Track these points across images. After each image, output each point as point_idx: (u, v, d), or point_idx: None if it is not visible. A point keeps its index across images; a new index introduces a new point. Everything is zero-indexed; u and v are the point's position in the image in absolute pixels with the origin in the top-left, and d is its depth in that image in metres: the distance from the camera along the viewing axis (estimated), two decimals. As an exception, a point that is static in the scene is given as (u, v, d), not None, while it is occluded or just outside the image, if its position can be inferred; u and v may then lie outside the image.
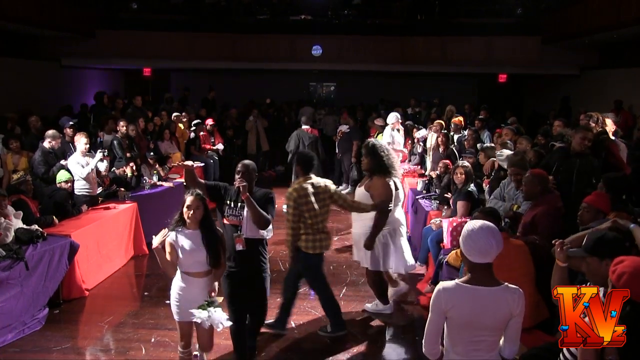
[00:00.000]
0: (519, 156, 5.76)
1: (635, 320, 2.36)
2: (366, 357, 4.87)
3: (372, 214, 5.20)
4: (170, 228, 3.86)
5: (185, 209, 3.83)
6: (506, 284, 2.68)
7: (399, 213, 5.55)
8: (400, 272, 5.79)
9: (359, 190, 5.47)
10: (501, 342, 2.75)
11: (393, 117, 9.63)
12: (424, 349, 2.79)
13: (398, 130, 9.68)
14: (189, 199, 3.84)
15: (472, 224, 2.71)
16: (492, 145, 7.28)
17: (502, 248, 2.66)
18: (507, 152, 6.34)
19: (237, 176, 4.12)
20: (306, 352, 4.88)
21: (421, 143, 9.93)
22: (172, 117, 10.82)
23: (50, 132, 7.38)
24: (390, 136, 9.53)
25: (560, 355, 2.79)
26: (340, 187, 11.60)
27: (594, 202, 4.08)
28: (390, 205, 5.22)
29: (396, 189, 5.37)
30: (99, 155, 7.07)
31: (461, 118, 9.72)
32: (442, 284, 2.72)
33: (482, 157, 7.10)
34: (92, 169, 7.02)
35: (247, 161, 4.35)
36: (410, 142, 10.44)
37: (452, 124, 9.45)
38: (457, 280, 2.71)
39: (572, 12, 12.13)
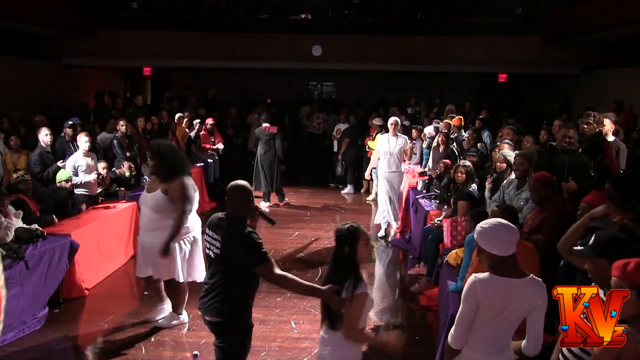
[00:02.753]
0: (530, 153, 5.77)
1: None
2: (366, 357, 4.86)
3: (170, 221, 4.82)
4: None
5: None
6: (532, 275, 2.78)
7: (195, 218, 5.14)
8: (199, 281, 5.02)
9: (150, 195, 4.93)
10: (524, 342, 2.82)
11: (390, 120, 8.44)
12: (453, 340, 2.86)
13: (396, 135, 8.23)
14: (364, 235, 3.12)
15: (491, 221, 2.85)
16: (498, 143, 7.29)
17: (516, 241, 2.80)
18: (508, 152, 6.33)
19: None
20: (306, 352, 4.88)
21: (427, 139, 9.83)
22: (175, 118, 10.79)
23: (43, 128, 7.43)
24: (386, 141, 8.24)
25: (560, 355, 2.79)
26: (344, 189, 11.58)
27: (592, 202, 4.08)
28: (190, 207, 4.90)
29: (194, 190, 5.02)
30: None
31: (460, 117, 9.71)
32: (475, 276, 2.80)
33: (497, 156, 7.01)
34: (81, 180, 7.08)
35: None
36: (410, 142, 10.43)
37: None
38: (488, 273, 2.78)
39: (572, 11, 12.13)
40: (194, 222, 5.09)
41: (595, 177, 5.14)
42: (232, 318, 3.41)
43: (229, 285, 3.38)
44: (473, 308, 2.76)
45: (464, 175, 6.27)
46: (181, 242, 4.98)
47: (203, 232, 3.73)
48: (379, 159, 8.40)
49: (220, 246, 3.37)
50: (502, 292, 2.71)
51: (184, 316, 5.35)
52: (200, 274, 5.12)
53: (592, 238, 2.91)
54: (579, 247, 3.07)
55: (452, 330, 2.88)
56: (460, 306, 2.82)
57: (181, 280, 5.06)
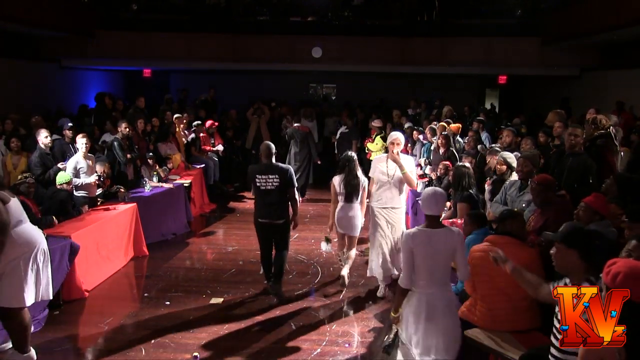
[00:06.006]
0: (533, 155, 5.77)
1: (632, 320, 2.36)
2: (366, 357, 4.87)
3: None
4: None
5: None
6: (447, 227, 3.79)
7: (32, 233, 4.39)
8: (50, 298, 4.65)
9: None
10: (458, 272, 3.79)
11: (391, 136, 6.13)
12: (401, 280, 3.75)
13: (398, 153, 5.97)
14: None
15: (428, 189, 3.88)
16: (493, 146, 7.29)
17: (442, 207, 3.87)
18: (508, 154, 6.32)
19: None
20: (306, 353, 4.88)
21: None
22: (174, 119, 10.81)
23: (42, 129, 7.45)
24: (383, 166, 6.00)
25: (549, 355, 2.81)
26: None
27: (591, 203, 4.10)
28: (3, 237, 4.03)
29: (4, 202, 4.09)
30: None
31: (459, 125, 9.68)
32: (407, 231, 3.83)
33: (490, 160, 7.03)
34: (80, 181, 7.09)
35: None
36: (410, 144, 10.42)
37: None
38: (416, 227, 3.77)
39: (572, 12, 12.14)
40: (30, 235, 4.36)
41: (595, 184, 5.12)
42: (288, 216, 5.94)
43: (284, 199, 5.84)
44: (409, 253, 3.66)
45: (453, 177, 6.35)
46: (22, 262, 4.22)
47: (251, 180, 5.82)
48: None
49: (279, 179, 5.71)
50: (427, 240, 3.63)
51: (32, 354, 4.45)
52: (49, 290, 4.53)
53: (562, 227, 3.02)
54: (550, 233, 3.23)
55: (400, 275, 3.80)
56: (402, 255, 3.77)
57: (24, 305, 4.26)
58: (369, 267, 6.25)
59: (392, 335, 4.27)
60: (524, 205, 5.25)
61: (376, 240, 6.03)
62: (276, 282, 6.02)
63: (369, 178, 6.16)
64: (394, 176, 5.90)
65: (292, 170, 5.88)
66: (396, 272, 5.95)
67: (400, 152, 6.00)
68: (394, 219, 5.98)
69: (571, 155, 5.35)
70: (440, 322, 3.61)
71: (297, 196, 5.97)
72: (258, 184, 5.76)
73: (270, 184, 5.72)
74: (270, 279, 6.10)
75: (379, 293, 6.14)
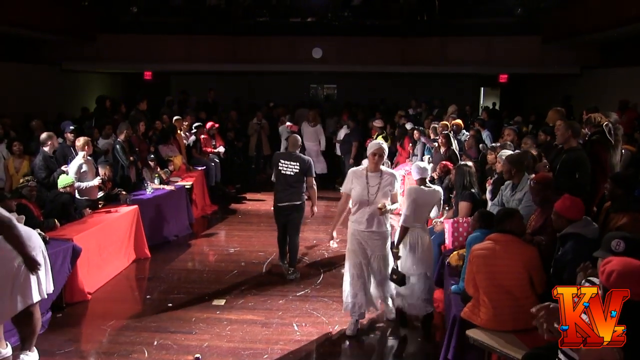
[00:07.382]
0: (518, 155, 5.78)
1: (627, 318, 2.36)
2: (367, 357, 4.87)
3: None
4: None
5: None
6: (433, 187, 5.32)
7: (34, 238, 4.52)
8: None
9: None
10: (432, 213, 5.40)
11: (371, 147, 5.19)
12: (405, 222, 5.12)
13: (380, 171, 5.14)
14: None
15: (415, 164, 5.47)
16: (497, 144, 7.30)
17: (427, 173, 5.30)
18: (507, 152, 6.33)
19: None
20: (308, 354, 4.89)
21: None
22: (174, 121, 10.83)
23: (44, 135, 7.41)
24: (363, 181, 5.12)
25: (560, 354, 2.79)
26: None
27: (560, 210, 4.05)
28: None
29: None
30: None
31: (460, 121, 9.69)
32: (410, 186, 5.36)
33: (491, 158, 7.05)
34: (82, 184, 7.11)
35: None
36: (410, 144, 10.43)
37: (454, 125, 9.43)
38: (414, 185, 5.26)
39: (572, 11, 12.12)
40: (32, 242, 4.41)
41: (585, 179, 5.11)
42: (303, 199, 6.73)
43: (301, 185, 6.64)
44: (413, 203, 5.08)
45: (455, 176, 6.37)
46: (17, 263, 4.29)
47: (275, 164, 6.71)
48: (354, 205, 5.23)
49: (299, 166, 6.55)
50: (421, 193, 5.15)
51: (35, 354, 4.58)
52: (51, 283, 4.64)
53: (616, 243, 2.96)
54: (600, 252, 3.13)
55: (403, 216, 5.13)
56: (406, 202, 5.15)
57: (33, 301, 4.38)
58: (344, 302, 5.33)
59: (395, 267, 5.15)
60: (516, 203, 5.28)
61: (350, 270, 5.21)
62: (291, 265, 6.85)
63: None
64: (376, 195, 5.00)
65: (312, 161, 6.74)
66: (379, 305, 5.45)
67: (383, 164, 5.22)
68: (374, 245, 5.09)
69: (567, 151, 5.38)
70: (424, 251, 5.20)
71: (314, 185, 6.69)
72: (280, 168, 6.62)
73: (291, 170, 6.56)
74: (284, 261, 6.97)
75: (348, 331, 5.22)
